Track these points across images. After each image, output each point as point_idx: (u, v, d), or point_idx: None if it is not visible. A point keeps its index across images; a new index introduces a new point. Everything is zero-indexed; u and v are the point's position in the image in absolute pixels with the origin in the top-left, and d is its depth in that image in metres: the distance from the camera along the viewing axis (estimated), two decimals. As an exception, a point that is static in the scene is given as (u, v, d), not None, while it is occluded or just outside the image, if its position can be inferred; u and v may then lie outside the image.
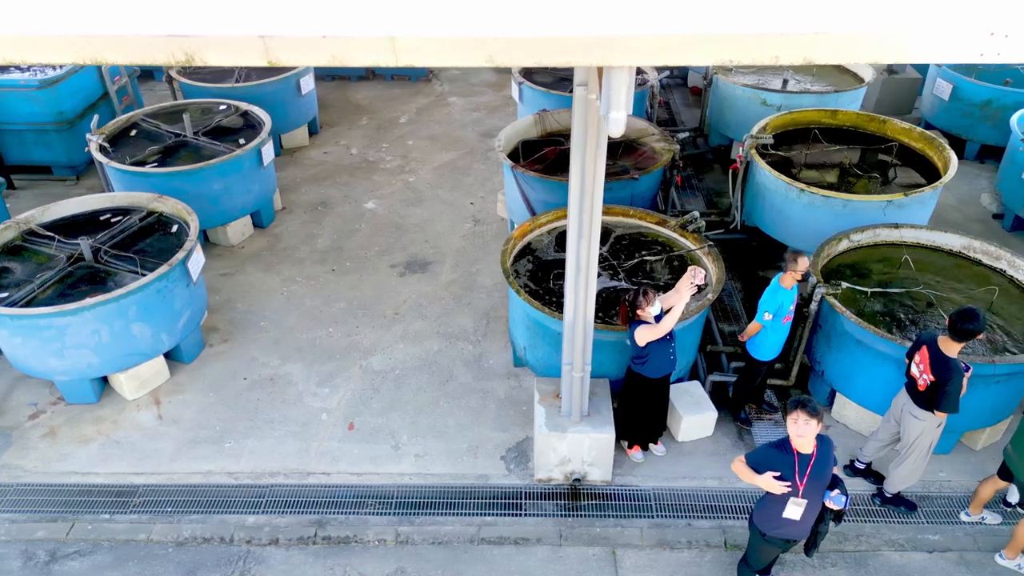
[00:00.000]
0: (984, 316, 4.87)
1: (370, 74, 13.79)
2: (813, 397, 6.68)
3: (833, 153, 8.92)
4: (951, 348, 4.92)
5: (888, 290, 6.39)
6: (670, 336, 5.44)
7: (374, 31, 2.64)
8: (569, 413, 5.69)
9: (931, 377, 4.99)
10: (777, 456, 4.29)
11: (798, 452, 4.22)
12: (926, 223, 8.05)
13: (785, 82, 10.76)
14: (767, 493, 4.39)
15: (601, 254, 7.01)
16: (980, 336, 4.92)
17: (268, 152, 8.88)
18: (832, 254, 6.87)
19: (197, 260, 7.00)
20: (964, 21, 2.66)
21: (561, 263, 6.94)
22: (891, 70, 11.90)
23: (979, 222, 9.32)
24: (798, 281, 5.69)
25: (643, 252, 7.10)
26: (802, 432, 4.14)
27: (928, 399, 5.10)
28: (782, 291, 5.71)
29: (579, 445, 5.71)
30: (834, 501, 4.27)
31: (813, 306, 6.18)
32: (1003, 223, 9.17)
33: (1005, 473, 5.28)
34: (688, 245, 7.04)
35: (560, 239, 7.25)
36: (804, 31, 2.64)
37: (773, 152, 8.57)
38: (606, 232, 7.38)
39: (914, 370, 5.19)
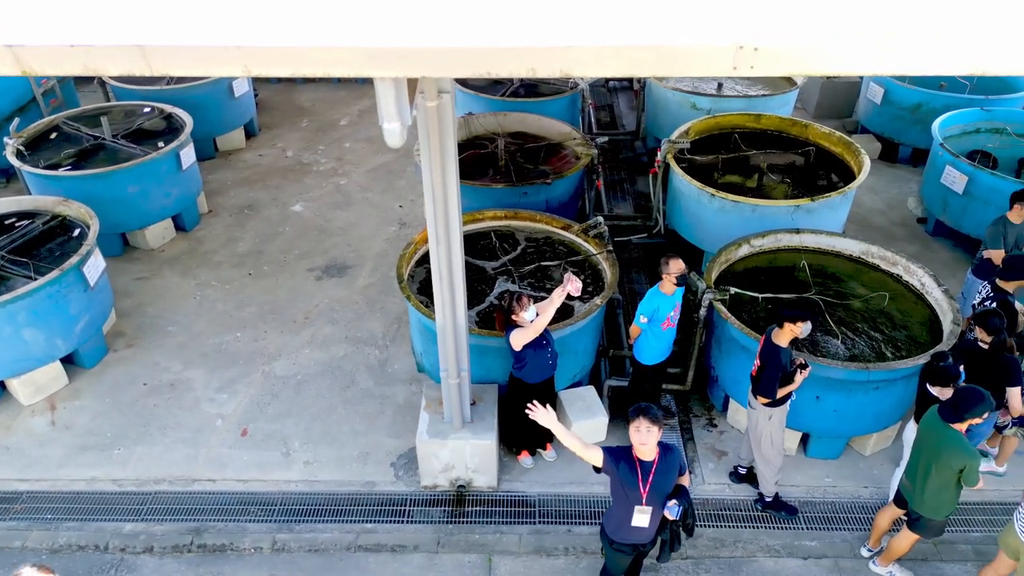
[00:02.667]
0: (811, 310, 4.94)
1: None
2: (710, 401, 6.76)
3: (757, 157, 8.93)
4: (780, 337, 5.04)
5: (779, 296, 6.39)
6: (546, 342, 5.43)
7: (124, 40, 2.61)
8: (451, 420, 5.66)
9: (759, 362, 5.15)
10: (623, 462, 4.26)
11: (640, 459, 4.21)
12: (840, 227, 8.09)
13: (720, 86, 10.78)
14: (614, 503, 4.38)
15: (504, 261, 7.00)
16: (798, 326, 4.91)
17: (188, 155, 8.82)
18: (732, 259, 6.87)
19: (95, 264, 6.95)
20: (715, 34, 2.65)
21: (469, 268, 6.93)
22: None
23: (903, 226, 9.35)
24: (677, 286, 5.67)
25: (548, 257, 7.09)
26: (644, 440, 4.12)
27: (754, 385, 5.22)
28: (660, 296, 5.70)
29: (461, 452, 5.69)
30: (669, 511, 4.25)
31: (702, 312, 6.18)
32: (926, 227, 9.20)
33: (901, 501, 5.26)
34: (591, 250, 7.03)
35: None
36: (558, 44, 2.63)
37: (691, 157, 8.57)
38: (515, 237, 7.39)
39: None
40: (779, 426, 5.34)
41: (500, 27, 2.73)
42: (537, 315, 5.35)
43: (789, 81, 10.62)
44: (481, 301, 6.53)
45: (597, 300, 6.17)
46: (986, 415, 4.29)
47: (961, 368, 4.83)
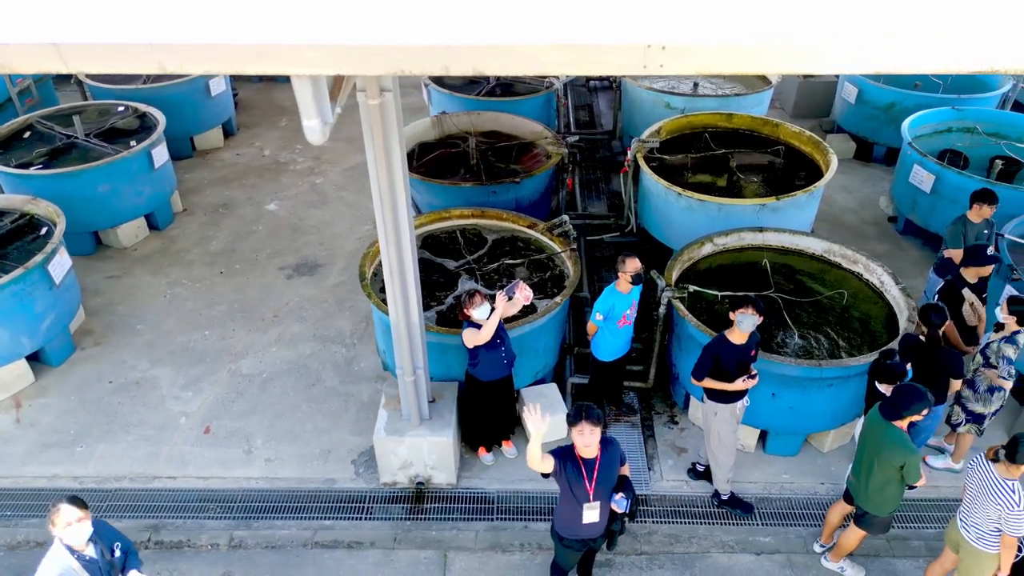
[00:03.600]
0: (760, 305, 4.97)
1: (297, 75, 13.73)
2: (672, 398, 6.79)
3: (726, 156, 8.96)
4: (731, 332, 5.08)
5: (738, 294, 6.42)
6: (500, 340, 5.45)
7: (37, 38, 2.64)
8: (409, 417, 5.69)
9: None
10: (568, 462, 4.29)
11: (583, 458, 4.24)
12: (808, 226, 8.13)
13: (696, 85, 10.83)
14: (562, 502, 4.40)
15: (468, 260, 7.03)
16: (734, 314, 4.98)
17: (160, 154, 8.85)
18: (695, 257, 6.91)
19: (61, 263, 6.97)
20: (625, 33, 2.68)
21: (431, 266, 6.97)
22: (806, 73, 11.98)
23: (874, 225, 9.40)
24: (633, 284, 5.71)
25: (516, 255, 7.11)
26: (588, 442, 4.16)
27: None
28: (616, 294, 5.74)
29: (419, 449, 5.72)
30: (617, 504, 4.29)
31: (661, 310, 6.22)
32: (896, 226, 9.25)
33: (849, 497, 5.29)
34: (556, 248, 7.05)
35: (427, 241, 7.25)
36: (471, 43, 2.66)
37: (661, 156, 8.61)
38: (481, 235, 7.41)
39: None
40: (726, 424, 5.37)
41: (415, 25, 2.76)
42: (492, 312, 5.38)
43: (764, 80, 10.65)
44: (443, 300, 6.56)
45: (557, 299, 6.20)
46: (925, 412, 4.33)
47: (908, 366, 4.86)
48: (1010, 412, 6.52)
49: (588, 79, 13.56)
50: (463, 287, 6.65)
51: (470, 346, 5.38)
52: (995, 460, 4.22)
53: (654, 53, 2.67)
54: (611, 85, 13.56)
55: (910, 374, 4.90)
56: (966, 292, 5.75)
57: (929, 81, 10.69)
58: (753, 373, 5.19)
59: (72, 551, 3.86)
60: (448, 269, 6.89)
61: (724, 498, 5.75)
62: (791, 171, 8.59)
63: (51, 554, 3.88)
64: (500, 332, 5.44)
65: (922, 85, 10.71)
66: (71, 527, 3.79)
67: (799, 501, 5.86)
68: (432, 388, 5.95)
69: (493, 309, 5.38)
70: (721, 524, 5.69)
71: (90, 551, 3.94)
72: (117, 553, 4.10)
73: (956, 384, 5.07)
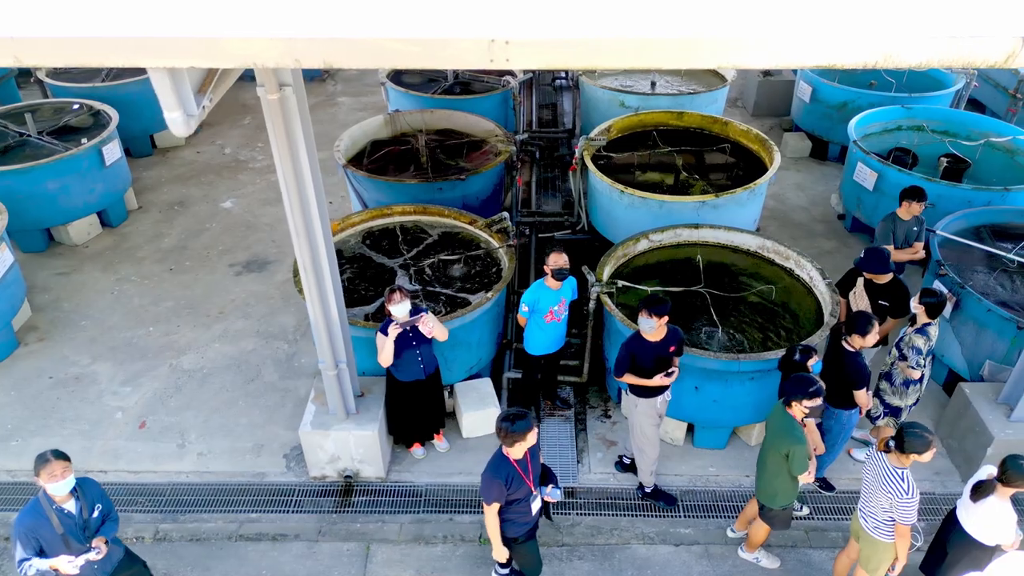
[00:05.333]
0: (660, 308, 5.02)
1: (264, 74, 13.78)
2: (607, 393, 6.85)
3: (672, 155, 9.04)
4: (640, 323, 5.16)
5: (667, 289, 6.50)
6: (415, 343, 5.49)
7: None
8: (334, 411, 5.74)
9: None
10: (509, 470, 4.32)
11: (516, 460, 4.30)
12: (752, 223, 8.20)
13: (653, 84, 10.91)
14: (512, 510, 4.44)
15: (406, 257, 7.08)
16: (643, 314, 5.06)
17: (111, 151, 8.88)
18: (631, 254, 6.98)
19: (3, 260, 7.00)
20: (470, 27, 2.74)
21: (370, 262, 7.02)
22: (766, 72, 12.09)
23: (824, 222, 9.48)
24: (555, 279, 5.76)
25: (454, 251, 7.17)
26: (520, 452, 4.28)
27: None
28: (543, 288, 5.80)
29: (345, 443, 5.77)
30: (550, 495, 4.43)
31: (591, 304, 6.28)
32: (845, 223, 9.33)
33: None
34: (494, 244, 7.11)
35: (367, 238, 7.30)
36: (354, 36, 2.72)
37: (608, 154, 8.68)
38: (423, 232, 7.47)
39: None
40: (646, 418, 5.43)
41: (267, 20, 2.81)
42: (412, 309, 5.42)
43: (719, 77, 10.73)
44: (378, 296, 6.60)
45: (488, 294, 6.26)
46: (812, 402, 4.39)
47: (811, 362, 4.92)
48: (939, 404, 6.60)
49: (554, 78, 13.65)
50: (398, 284, 6.71)
51: (378, 345, 5.45)
52: (887, 450, 4.29)
53: (498, 47, 2.73)
54: (576, 85, 13.66)
55: (815, 369, 4.97)
56: (859, 281, 5.86)
57: (884, 80, 10.80)
58: (671, 370, 5.25)
59: (52, 503, 4.10)
60: (385, 265, 6.93)
61: (648, 490, 5.82)
62: (739, 169, 8.67)
63: (32, 503, 4.13)
64: (416, 336, 5.47)
65: (877, 84, 10.83)
66: (55, 479, 4.02)
67: (723, 494, 5.93)
68: (361, 383, 6.01)
69: (415, 307, 5.45)
70: (644, 516, 5.76)
71: (70, 505, 4.17)
72: (95, 513, 4.30)
73: (859, 394, 5.13)
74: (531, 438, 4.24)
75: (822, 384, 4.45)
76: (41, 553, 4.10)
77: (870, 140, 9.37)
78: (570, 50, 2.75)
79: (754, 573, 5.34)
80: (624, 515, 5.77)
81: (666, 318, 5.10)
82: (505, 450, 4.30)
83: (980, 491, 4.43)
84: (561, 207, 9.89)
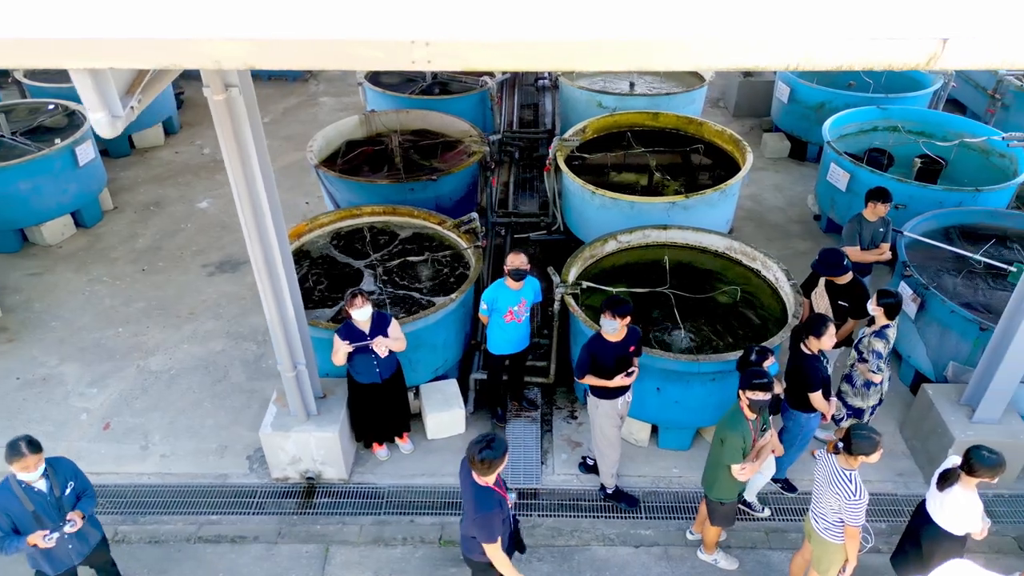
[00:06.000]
0: (621, 309, 5.00)
1: (246, 74, 13.75)
2: (574, 393, 6.84)
3: (655, 155, 9.04)
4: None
5: (633, 290, 6.50)
6: (368, 348, 5.48)
7: None
8: (295, 413, 5.73)
9: None
10: (496, 497, 4.22)
11: (496, 488, 4.23)
12: (725, 224, 8.19)
13: (632, 85, 10.90)
14: (501, 528, 4.32)
15: (373, 258, 7.07)
16: (606, 315, 5.03)
17: (85, 152, 8.86)
18: (599, 255, 6.97)
19: (-33, 260, 6.98)
20: (391, 28, 2.73)
21: (337, 264, 7.01)
22: (747, 73, 12.08)
23: (800, 223, 9.48)
24: (514, 279, 5.76)
25: (423, 252, 7.16)
26: (495, 476, 4.20)
27: None
28: (502, 288, 5.80)
29: (306, 444, 5.76)
30: (510, 497, 4.39)
31: (556, 305, 6.27)
32: (820, 224, 9.33)
33: None
34: (462, 244, 7.10)
35: (335, 238, 7.29)
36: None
37: (582, 155, 8.67)
38: (392, 233, 7.46)
39: None
40: (607, 419, 5.43)
41: (187, 21, 2.80)
42: (375, 314, 5.42)
43: (698, 77, 10.72)
44: (343, 298, 6.59)
45: (453, 295, 6.24)
46: (759, 394, 4.39)
47: (767, 364, 4.92)
48: (905, 405, 6.59)
49: (536, 78, 13.64)
50: (366, 285, 6.69)
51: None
52: (836, 452, 4.29)
53: (419, 48, 2.72)
54: (552, 84, 13.65)
55: (773, 370, 4.97)
56: (821, 282, 5.87)
57: (863, 80, 10.80)
58: (631, 369, 5.25)
59: (20, 482, 4.19)
60: (351, 266, 6.92)
61: (609, 491, 5.81)
62: (720, 169, 8.67)
63: (2, 483, 4.22)
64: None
65: (856, 84, 10.83)
66: (28, 471, 4.12)
67: (686, 495, 5.92)
68: (324, 384, 6.00)
69: (379, 313, 5.48)
70: (605, 517, 5.75)
71: (40, 484, 4.24)
72: (68, 491, 4.36)
73: (812, 397, 5.14)
74: (505, 460, 4.10)
75: (771, 381, 4.45)
76: (17, 533, 4.22)
77: (846, 141, 9.37)
78: (492, 52, 2.74)
79: (712, 574, 5.34)
80: (586, 516, 5.76)
81: (628, 319, 5.09)
82: (482, 480, 4.13)
83: (945, 480, 4.44)
84: (538, 208, 9.88)
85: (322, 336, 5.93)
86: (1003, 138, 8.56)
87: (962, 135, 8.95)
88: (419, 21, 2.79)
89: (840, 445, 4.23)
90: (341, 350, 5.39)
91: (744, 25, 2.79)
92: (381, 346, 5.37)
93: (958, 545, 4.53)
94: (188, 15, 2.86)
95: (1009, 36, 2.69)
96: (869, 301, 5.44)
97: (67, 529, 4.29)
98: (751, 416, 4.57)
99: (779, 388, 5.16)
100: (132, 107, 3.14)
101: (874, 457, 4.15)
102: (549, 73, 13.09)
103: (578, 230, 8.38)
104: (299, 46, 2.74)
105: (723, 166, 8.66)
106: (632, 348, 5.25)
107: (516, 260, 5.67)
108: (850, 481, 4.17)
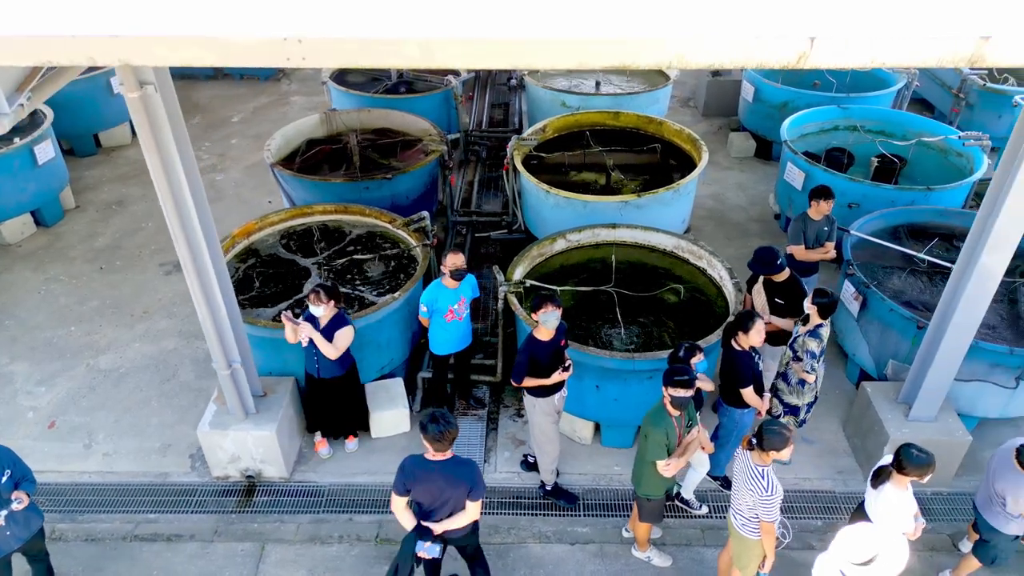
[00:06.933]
0: (557, 300, 5.03)
1: (219, 73, 13.76)
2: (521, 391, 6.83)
3: (616, 154, 9.06)
4: (538, 331, 5.15)
5: (577, 288, 6.51)
6: (309, 341, 5.50)
7: None
8: (233, 411, 5.74)
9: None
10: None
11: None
12: (680, 223, 8.20)
13: (598, 84, 10.92)
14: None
15: (321, 256, 7.08)
16: (535, 315, 5.04)
17: (44, 151, 8.85)
18: (547, 253, 6.98)
19: (-84, 259, 6.97)
20: (267, 27, 2.74)
21: (285, 262, 7.02)
22: (715, 72, 12.10)
23: (760, 222, 9.50)
24: (454, 279, 5.78)
25: (371, 251, 7.17)
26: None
27: None
28: (440, 288, 5.81)
29: (243, 443, 5.76)
30: (427, 552, 4.30)
31: (500, 304, 6.28)
32: (780, 223, 9.35)
33: None
34: (411, 242, 7.11)
35: (285, 237, 7.29)
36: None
37: (539, 154, 8.68)
38: (343, 231, 7.47)
39: None
40: (545, 416, 5.44)
41: (65, 18, 2.81)
42: (337, 315, 5.48)
43: (663, 76, 10.74)
44: (291, 296, 6.60)
45: (396, 294, 6.26)
46: (680, 391, 4.41)
47: (695, 360, 4.94)
48: (850, 402, 6.61)
49: (508, 78, 13.63)
50: (313, 283, 6.70)
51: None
52: (751, 448, 4.31)
53: (291, 46, 2.73)
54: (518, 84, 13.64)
55: (699, 367, 4.99)
56: (760, 279, 5.90)
57: (827, 80, 10.83)
58: (567, 364, 5.27)
59: None
60: (298, 265, 6.93)
61: (548, 489, 5.83)
62: (676, 169, 8.69)
63: None
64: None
65: (820, 84, 10.86)
66: None
67: (625, 492, 5.93)
68: (265, 383, 6.00)
69: (341, 310, 5.58)
70: (543, 515, 5.77)
71: None
72: (4, 479, 4.47)
73: (744, 392, 5.17)
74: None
75: (693, 377, 4.46)
76: None
77: (807, 140, 9.41)
78: (364, 49, 2.76)
79: (646, 571, 5.36)
80: (524, 514, 5.78)
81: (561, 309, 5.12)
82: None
83: (877, 477, 4.46)
84: (501, 207, 9.88)
85: (263, 335, 5.94)
86: (959, 137, 8.60)
87: (920, 134, 8.98)
88: (294, 19, 2.81)
89: (754, 441, 4.25)
90: (288, 326, 5.44)
91: (621, 27, 2.81)
92: (302, 333, 5.39)
93: None
94: (78, 12, 2.88)
95: (876, 35, 2.71)
96: (805, 300, 5.46)
97: (14, 507, 4.41)
98: (674, 412, 4.59)
99: (707, 384, 5.19)
100: (22, 104, 3.15)
101: (785, 453, 4.17)
102: (515, 72, 13.11)
103: (536, 229, 8.39)
104: (172, 43, 2.75)
105: (686, 165, 8.69)
106: (563, 343, 5.27)
107: (456, 260, 5.68)
108: (763, 477, 4.19)
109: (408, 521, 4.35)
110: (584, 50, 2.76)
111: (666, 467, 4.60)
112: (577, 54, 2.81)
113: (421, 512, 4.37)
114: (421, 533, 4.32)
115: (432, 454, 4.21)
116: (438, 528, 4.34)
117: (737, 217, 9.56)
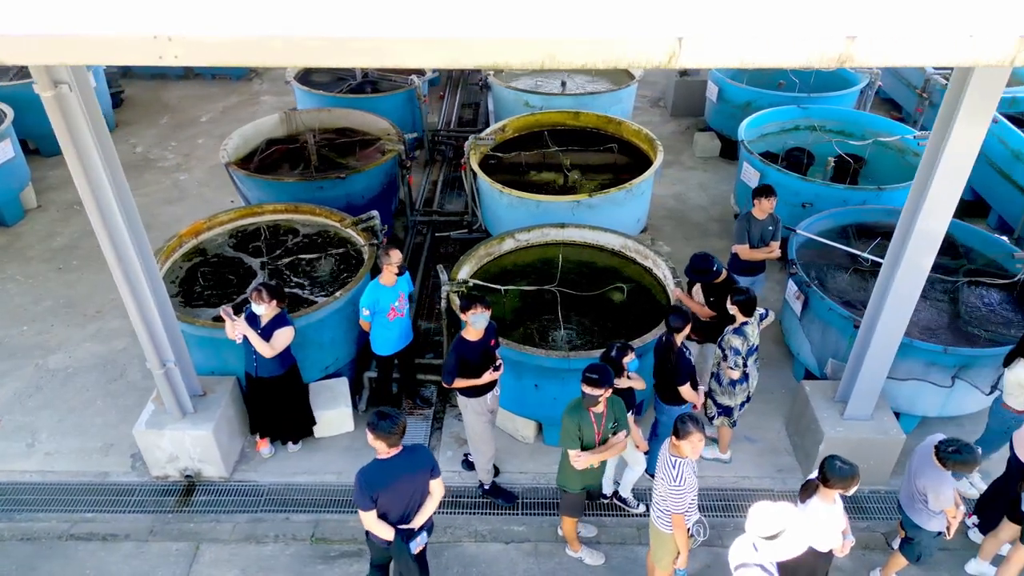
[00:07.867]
0: (486, 300, 5.05)
1: (189, 73, 13.74)
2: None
3: (574, 154, 9.08)
4: (467, 331, 5.15)
5: (521, 288, 6.53)
6: (245, 339, 5.51)
7: None
8: (171, 411, 5.74)
9: None
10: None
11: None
12: (635, 223, 8.22)
13: (563, 84, 10.93)
14: None
15: (269, 256, 7.08)
16: (466, 315, 5.03)
17: (4, 151, 8.85)
18: (496, 253, 7.00)
19: None
20: (136, 25, 2.75)
21: (231, 261, 7.02)
22: (683, 72, 12.12)
23: (720, 221, 9.52)
24: (398, 275, 5.80)
25: (320, 250, 7.17)
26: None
27: None
28: (379, 288, 5.82)
29: (181, 442, 5.77)
30: (420, 543, 4.43)
31: (443, 303, 6.29)
32: (740, 223, 9.37)
33: None
34: (360, 242, 7.11)
35: (234, 236, 7.30)
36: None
37: (496, 154, 8.70)
38: (293, 231, 7.47)
39: None
40: (477, 416, 5.45)
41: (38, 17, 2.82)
42: (278, 315, 5.50)
43: (628, 75, 10.75)
44: (235, 295, 6.60)
45: (338, 293, 6.26)
46: (594, 390, 4.43)
47: (627, 360, 4.96)
48: (794, 399, 6.62)
49: (479, 77, 13.63)
50: (258, 282, 6.70)
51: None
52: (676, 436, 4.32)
53: (162, 44, 2.74)
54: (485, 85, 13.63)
55: (631, 366, 5.01)
56: (698, 286, 5.95)
57: (791, 79, 10.85)
58: (498, 364, 5.28)
59: None
60: (244, 264, 6.93)
61: (486, 488, 5.84)
62: (636, 169, 8.69)
63: None
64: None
65: (785, 84, 10.88)
66: None
67: (564, 491, 5.94)
68: (205, 382, 6.01)
69: (283, 310, 5.59)
70: (481, 514, 5.78)
71: None
72: None
73: (683, 389, 5.20)
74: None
75: (605, 376, 4.46)
76: None
77: (768, 140, 9.43)
78: (233, 47, 2.77)
79: (578, 570, 5.37)
80: (461, 513, 5.79)
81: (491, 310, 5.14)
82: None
83: (804, 491, 4.46)
84: (464, 206, 9.89)
85: (202, 334, 5.95)
86: (915, 136, 8.64)
87: (878, 134, 9.00)
88: (166, 18, 2.82)
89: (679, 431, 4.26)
90: (227, 322, 5.46)
91: (494, 27, 2.82)
92: (237, 329, 5.41)
93: (822, 560, 4.48)
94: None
95: (745, 35, 2.73)
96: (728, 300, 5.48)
97: None
98: (596, 409, 4.61)
99: (638, 383, 5.21)
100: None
101: (688, 448, 4.18)
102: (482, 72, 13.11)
103: (493, 228, 8.40)
104: (65, 41, 2.77)
105: (646, 165, 8.69)
106: (493, 342, 5.29)
107: (396, 256, 5.72)
108: (673, 467, 4.22)
109: (386, 531, 4.30)
110: (464, 50, 2.78)
111: (577, 458, 4.63)
112: (457, 54, 2.82)
113: (397, 520, 4.34)
114: (406, 537, 4.34)
115: (385, 452, 4.18)
116: (417, 524, 4.37)
117: (697, 217, 9.59)
